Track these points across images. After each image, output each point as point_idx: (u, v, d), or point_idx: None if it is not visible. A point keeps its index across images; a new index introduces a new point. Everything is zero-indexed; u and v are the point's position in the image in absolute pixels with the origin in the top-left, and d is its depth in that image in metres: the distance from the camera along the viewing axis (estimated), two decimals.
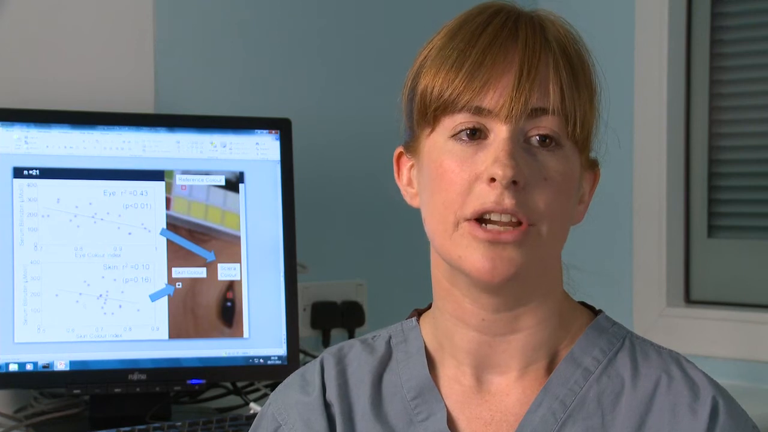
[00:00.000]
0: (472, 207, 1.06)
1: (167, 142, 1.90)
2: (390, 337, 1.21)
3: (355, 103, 2.33)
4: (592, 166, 1.16)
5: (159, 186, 1.88)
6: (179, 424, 1.73)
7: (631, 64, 2.42)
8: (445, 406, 1.14)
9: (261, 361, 1.90)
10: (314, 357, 1.73)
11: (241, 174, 1.92)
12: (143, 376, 1.84)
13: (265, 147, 1.94)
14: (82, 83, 2.00)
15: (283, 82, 2.24)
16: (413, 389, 1.16)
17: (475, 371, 1.15)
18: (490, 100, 1.06)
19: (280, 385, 1.23)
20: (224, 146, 1.92)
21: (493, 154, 1.05)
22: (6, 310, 1.79)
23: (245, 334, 1.90)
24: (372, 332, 1.24)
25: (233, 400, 2.01)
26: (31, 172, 1.82)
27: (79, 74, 2.00)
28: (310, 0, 2.29)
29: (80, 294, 1.82)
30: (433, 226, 1.10)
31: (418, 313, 1.22)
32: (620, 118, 2.44)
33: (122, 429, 1.71)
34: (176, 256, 1.87)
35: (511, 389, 1.14)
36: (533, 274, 1.09)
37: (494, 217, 1.05)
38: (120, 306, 1.84)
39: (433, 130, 1.10)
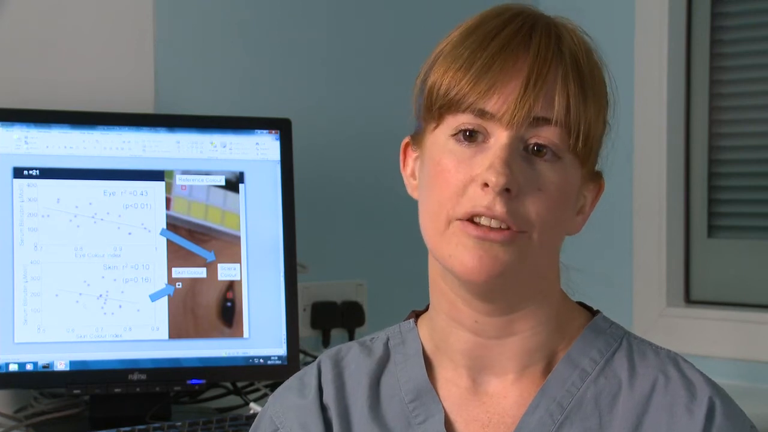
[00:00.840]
0: (464, 209, 1.06)
1: (167, 142, 1.90)
2: (388, 339, 1.21)
3: (355, 103, 2.33)
4: (596, 178, 1.15)
5: (159, 186, 1.88)
6: (179, 424, 1.73)
7: (631, 64, 2.42)
8: (443, 408, 1.14)
9: (261, 361, 1.90)
10: (314, 357, 1.73)
11: (241, 174, 1.92)
12: (143, 376, 1.84)
13: (265, 147, 1.94)
14: (82, 83, 2.00)
15: (283, 82, 2.24)
16: (411, 391, 1.16)
17: (470, 373, 1.15)
18: (494, 104, 1.06)
19: (279, 387, 1.24)
20: (224, 146, 1.92)
21: (490, 159, 1.06)
22: (6, 310, 1.79)
23: (245, 334, 1.90)
24: (370, 334, 1.24)
25: (233, 400, 2.01)
26: (31, 172, 1.82)
27: (79, 74, 2.00)
28: (310, 0, 2.29)
29: (80, 294, 1.82)
30: (426, 222, 1.11)
31: (416, 315, 1.22)
32: (620, 118, 2.44)
33: (122, 429, 1.71)
34: (176, 256, 1.87)
35: (509, 391, 1.14)
36: (524, 279, 1.09)
37: (484, 221, 1.06)
38: (120, 306, 1.84)
39: (437, 126, 1.11)
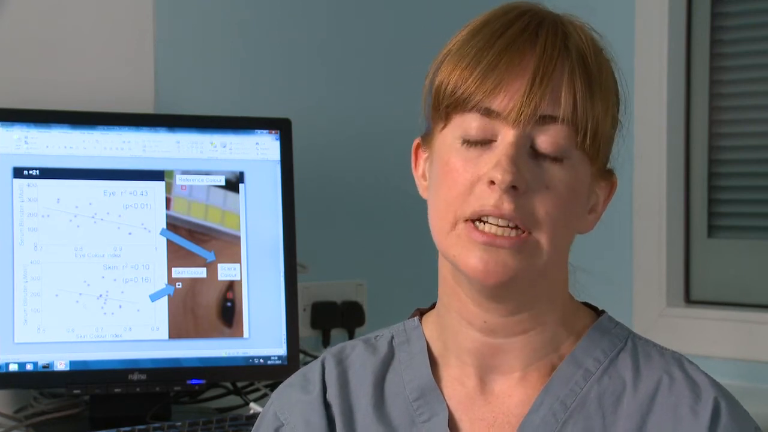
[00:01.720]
0: (471, 208, 1.06)
1: (167, 142, 1.90)
2: (392, 337, 1.21)
3: (355, 103, 2.33)
4: (607, 175, 1.15)
5: (159, 186, 1.88)
6: (179, 424, 1.73)
7: (631, 64, 2.42)
8: (447, 407, 1.14)
9: (261, 361, 1.90)
10: (314, 357, 1.73)
11: (241, 174, 1.92)
12: (143, 376, 1.84)
13: (265, 147, 1.94)
14: (82, 83, 2.00)
15: (283, 82, 2.24)
16: (415, 390, 1.16)
17: (478, 372, 1.15)
18: (500, 102, 1.06)
19: (281, 384, 1.23)
20: (224, 146, 1.92)
21: (497, 157, 1.05)
22: (6, 310, 1.79)
23: (245, 334, 1.90)
24: (374, 332, 1.24)
25: (233, 400, 2.01)
26: (31, 172, 1.82)
27: (79, 74, 2.00)
28: (310, 0, 2.29)
29: (80, 294, 1.82)
30: (434, 222, 1.11)
31: (421, 313, 1.22)
32: (621, 117, 2.44)
33: (122, 429, 1.71)
34: (176, 256, 1.87)
35: (514, 390, 1.14)
36: (532, 281, 1.09)
37: (491, 222, 1.06)
38: (120, 306, 1.84)
39: (445, 126, 1.10)
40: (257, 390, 2.02)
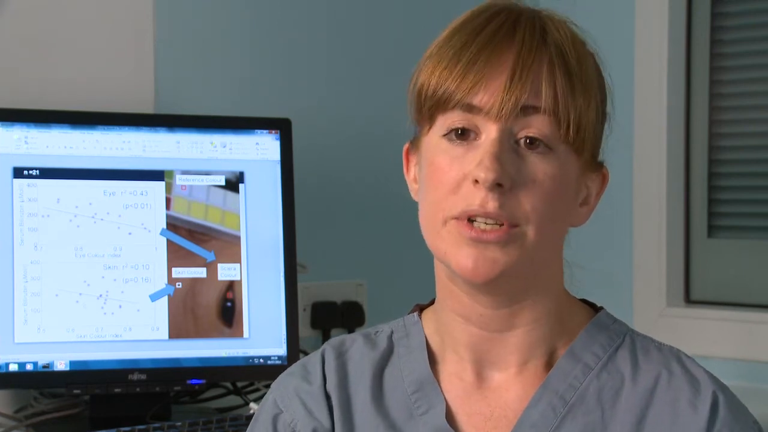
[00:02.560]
0: (459, 208, 1.07)
1: (167, 142, 1.90)
2: (392, 332, 1.22)
3: (355, 103, 2.33)
4: (597, 168, 1.15)
5: (159, 186, 1.88)
6: (179, 424, 1.73)
7: (631, 64, 2.42)
8: (445, 400, 1.15)
9: (261, 361, 1.90)
10: None
11: (241, 174, 1.92)
12: (143, 376, 1.84)
13: (265, 147, 1.94)
14: (82, 83, 2.00)
15: (283, 82, 2.24)
16: (414, 383, 1.17)
17: (475, 366, 1.15)
18: (481, 98, 1.07)
19: (281, 374, 1.24)
20: (224, 146, 1.92)
21: (480, 155, 1.06)
22: (6, 310, 1.79)
23: (245, 334, 1.90)
24: (374, 327, 1.24)
25: (233, 400, 2.01)
26: (31, 172, 1.82)
27: (79, 74, 2.00)
28: (310, 1, 2.29)
29: (80, 294, 1.82)
30: (424, 222, 1.12)
31: (420, 308, 1.23)
32: (620, 118, 2.44)
33: (122, 429, 1.71)
34: (176, 256, 1.87)
35: (511, 385, 1.14)
36: (523, 273, 1.10)
37: (479, 221, 1.06)
38: (120, 306, 1.84)
39: (430, 127, 1.11)
40: (257, 390, 2.02)
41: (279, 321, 1.92)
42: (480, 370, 1.15)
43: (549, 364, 1.15)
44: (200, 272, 1.88)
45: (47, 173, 1.83)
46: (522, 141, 1.07)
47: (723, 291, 2.39)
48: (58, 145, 1.84)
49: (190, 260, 1.88)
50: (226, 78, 2.18)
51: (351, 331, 2.29)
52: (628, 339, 1.17)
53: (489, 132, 1.07)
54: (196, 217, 1.89)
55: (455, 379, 1.16)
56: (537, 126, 1.07)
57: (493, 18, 1.10)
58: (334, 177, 2.28)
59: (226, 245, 1.90)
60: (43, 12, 1.97)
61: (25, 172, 1.82)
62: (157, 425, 1.72)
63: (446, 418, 1.14)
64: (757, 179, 2.37)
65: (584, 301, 1.21)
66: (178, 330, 1.86)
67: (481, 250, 1.06)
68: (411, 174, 1.18)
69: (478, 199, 1.06)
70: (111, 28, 2.04)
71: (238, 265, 1.90)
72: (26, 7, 1.95)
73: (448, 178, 1.08)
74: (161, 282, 1.86)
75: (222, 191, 1.91)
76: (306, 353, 2.08)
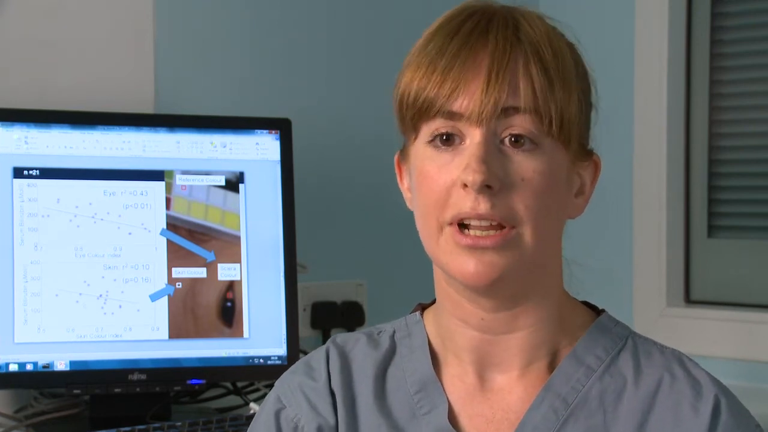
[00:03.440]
0: (451, 213, 1.07)
1: (167, 142, 1.90)
2: (394, 332, 1.22)
3: (355, 103, 2.33)
4: (587, 157, 1.15)
5: (159, 186, 1.88)
6: (179, 424, 1.73)
7: (631, 64, 2.42)
8: (448, 400, 1.15)
9: (261, 361, 1.90)
10: None
11: (241, 174, 1.92)
12: (143, 376, 1.84)
13: (265, 147, 1.94)
14: (82, 83, 2.00)
15: (283, 82, 2.24)
16: (416, 383, 1.16)
17: (477, 369, 1.15)
18: (461, 104, 1.07)
19: (285, 372, 1.24)
20: (224, 146, 1.92)
21: (467, 159, 1.06)
22: (6, 310, 1.79)
23: (245, 334, 1.90)
24: (377, 326, 1.24)
25: (233, 400, 2.01)
26: (31, 172, 1.82)
27: (79, 74, 2.00)
28: (310, 0, 2.29)
29: (80, 294, 1.82)
30: (422, 231, 1.12)
31: (422, 308, 1.23)
32: (620, 118, 2.44)
33: (122, 429, 1.71)
34: (176, 256, 1.87)
35: (513, 387, 1.14)
36: (523, 274, 1.09)
37: (474, 223, 1.06)
38: (120, 306, 1.84)
39: (416, 137, 1.12)
40: (257, 390, 2.02)
41: (279, 321, 1.92)
42: (482, 372, 1.15)
43: (551, 366, 1.14)
44: (200, 272, 1.88)
45: (47, 173, 1.83)
46: (507, 140, 1.07)
47: (723, 291, 2.39)
48: (58, 145, 1.84)
49: (190, 260, 1.88)
50: (226, 78, 2.18)
51: (351, 331, 2.29)
52: (630, 342, 1.17)
53: (473, 136, 1.07)
54: (196, 217, 1.89)
55: (457, 380, 1.16)
56: (520, 124, 1.07)
57: (467, 20, 1.10)
58: (334, 177, 2.28)
59: (226, 245, 1.90)
60: (43, 12, 1.97)
61: (25, 172, 1.82)
62: (157, 425, 1.72)
63: (448, 418, 1.14)
64: (757, 179, 2.37)
65: (586, 303, 1.21)
66: (178, 330, 1.86)
67: (479, 255, 1.07)
68: (405, 183, 1.18)
69: (469, 202, 1.06)
70: (111, 28, 2.04)
71: (238, 265, 1.90)
72: (26, 8, 1.95)
73: (438, 186, 1.08)
74: (161, 282, 1.86)
75: (222, 191, 1.91)
76: (306, 353, 2.09)
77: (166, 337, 1.86)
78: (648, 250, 2.41)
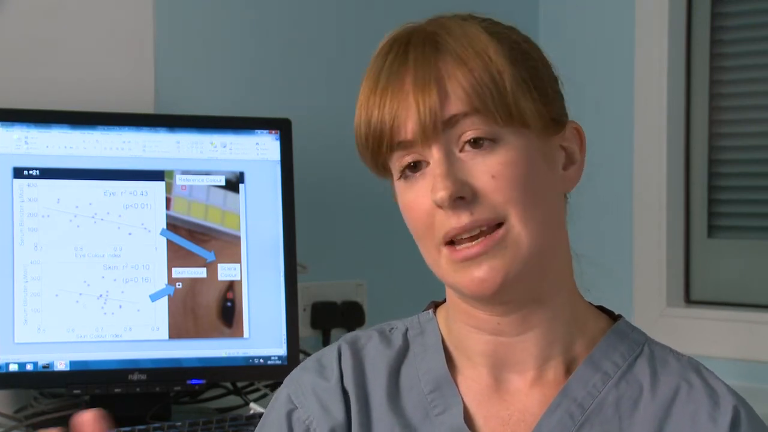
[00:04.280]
0: (440, 234, 1.08)
1: (167, 142, 1.90)
2: (407, 330, 1.21)
3: (355, 104, 2.33)
4: (559, 128, 1.12)
5: (159, 186, 1.88)
6: (179, 424, 1.73)
7: (631, 64, 2.42)
8: (462, 401, 1.14)
9: (261, 361, 1.90)
10: None
11: (241, 174, 1.92)
12: (143, 376, 1.84)
13: (265, 147, 1.94)
14: (82, 83, 2.00)
15: (283, 82, 2.24)
16: (430, 382, 1.16)
17: (491, 371, 1.14)
18: (406, 132, 1.07)
19: (295, 369, 1.22)
20: (224, 146, 1.92)
21: (432, 180, 1.07)
22: (6, 310, 1.79)
23: (245, 334, 1.90)
24: (388, 323, 1.23)
25: (233, 400, 2.01)
26: (31, 172, 1.83)
27: (79, 74, 2.00)
28: (310, 0, 2.29)
29: (80, 294, 1.82)
30: (425, 258, 1.12)
31: (435, 306, 1.22)
32: (620, 118, 2.44)
33: (122, 429, 1.71)
34: (176, 256, 1.87)
35: (530, 389, 1.13)
36: (528, 268, 1.08)
37: (464, 236, 1.06)
38: (120, 306, 1.84)
39: (391, 176, 1.13)
40: (257, 390, 2.02)
41: (279, 321, 1.92)
42: (497, 374, 1.14)
43: (569, 371, 1.14)
44: (200, 272, 1.88)
45: (47, 173, 1.83)
46: (467, 146, 1.07)
47: (723, 291, 2.39)
48: (58, 145, 1.84)
49: (190, 260, 1.88)
50: (226, 78, 2.18)
51: (351, 331, 2.29)
52: (646, 348, 1.16)
53: (432, 155, 1.07)
54: (196, 217, 1.89)
55: (471, 381, 1.15)
56: (470, 127, 1.06)
57: (389, 51, 1.11)
58: (334, 177, 2.28)
59: (226, 245, 1.90)
60: (43, 12, 1.97)
61: (25, 172, 1.82)
62: (157, 425, 1.72)
63: (463, 419, 1.13)
64: (757, 179, 2.37)
65: (600, 308, 1.20)
66: (178, 330, 1.86)
67: (478, 265, 1.06)
68: None
69: (451, 220, 1.06)
70: (111, 29, 2.04)
71: (238, 265, 1.90)
72: (26, 8, 1.95)
73: (420, 214, 1.09)
74: (161, 282, 1.86)
75: (222, 191, 1.91)
76: (306, 353, 2.09)
77: (166, 337, 1.86)
78: (648, 250, 2.41)
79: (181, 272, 1.87)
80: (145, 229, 1.86)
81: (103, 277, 1.83)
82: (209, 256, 1.89)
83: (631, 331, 1.17)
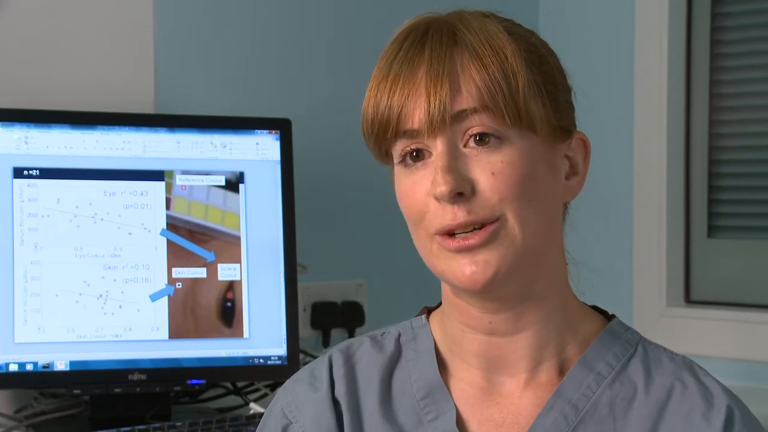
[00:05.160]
0: (435, 226, 1.08)
1: (167, 142, 1.90)
2: (399, 335, 1.21)
3: (355, 104, 2.31)
4: (566, 137, 1.13)
5: (159, 186, 1.88)
6: (179, 424, 1.73)
7: (631, 64, 2.42)
8: (455, 406, 1.14)
9: (261, 361, 1.90)
10: (314, 357, 1.73)
11: (241, 174, 1.92)
12: (143, 376, 1.84)
13: (265, 147, 1.94)
14: (82, 83, 2.00)
15: (282, 82, 2.24)
16: (423, 388, 1.16)
17: (485, 373, 1.14)
18: (414, 121, 1.07)
19: (287, 380, 1.22)
20: (224, 146, 1.92)
21: (433, 172, 1.07)
22: (6, 310, 1.79)
23: (245, 334, 1.90)
24: (381, 329, 1.23)
25: (233, 400, 2.01)
26: (31, 172, 1.83)
27: (79, 74, 2.00)
28: (310, 0, 2.29)
29: (80, 294, 1.82)
30: (417, 245, 1.12)
31: (428, 311, 1.22)
32: (620, 118, 2.44)
33: (122, 429, 1.71)
34: (176, 256, 1.87)
35: (523, 392, 1.13)
36: (520, 267, 1.08)
37: (458, 230, 1.06)
38: (120, 306, 1.84)
39: (391, 162, 1.13)
40: (257, 390, 2.02)
41: (279, 321, 1.92)
42: (490, 376, 1.14)
43: (562, 372, 1.14)
44: (200, 272, 1.88)
45: (47, 173, 1.83)
46: (471, 141, 1.07)
47: (723, 291, 2.39)
48: (58, 145, 1.84)
49: (190, 260, 1.88)
50: (226, 78, 2.18)
51: (351, 331, 2.29)
52: (640, 348, 1.16)
53: (436, 147, 1.07)
54: (196, 217, 1.89)
55: (465, 385, 1.15)
56: (478, 123, 1.06)
57: (406, 38, 1.11)
58: (334, 177, 2.28)
59: (226, 245, 1.90)
60: (43, 12, 1.97)
61: (25, 172, 1.82)
62: (157, 425, 1.72)
63: (456, 424, 1.13)
64: (757, 179, 2.37)
65: (595, 308, 1.20)
66: (178, 330, 1.86)
67: (471, 257, 1.06)
68: None
69: (448, 214, 1.06)
70: (111, 28, 2.04)
71: (238, 265, 1.90)
72: (26, 8, 1.95)
73: (416, 202, 1.09)
74: (161, 282, 1.86)
75: (222, 191, 1.91)
76: (306, 353, 2.10)
77: (166, 337, 1.86)
78: (648, 250, 2.41)
79: (181, 272, 1.87)
80: (145, 229, 1.86)
81: (103, 277, 1.83)
82: (209, 256, 1.89)
83: (624, 331, 1.17)
